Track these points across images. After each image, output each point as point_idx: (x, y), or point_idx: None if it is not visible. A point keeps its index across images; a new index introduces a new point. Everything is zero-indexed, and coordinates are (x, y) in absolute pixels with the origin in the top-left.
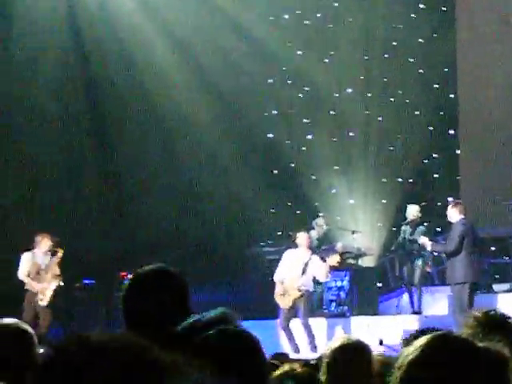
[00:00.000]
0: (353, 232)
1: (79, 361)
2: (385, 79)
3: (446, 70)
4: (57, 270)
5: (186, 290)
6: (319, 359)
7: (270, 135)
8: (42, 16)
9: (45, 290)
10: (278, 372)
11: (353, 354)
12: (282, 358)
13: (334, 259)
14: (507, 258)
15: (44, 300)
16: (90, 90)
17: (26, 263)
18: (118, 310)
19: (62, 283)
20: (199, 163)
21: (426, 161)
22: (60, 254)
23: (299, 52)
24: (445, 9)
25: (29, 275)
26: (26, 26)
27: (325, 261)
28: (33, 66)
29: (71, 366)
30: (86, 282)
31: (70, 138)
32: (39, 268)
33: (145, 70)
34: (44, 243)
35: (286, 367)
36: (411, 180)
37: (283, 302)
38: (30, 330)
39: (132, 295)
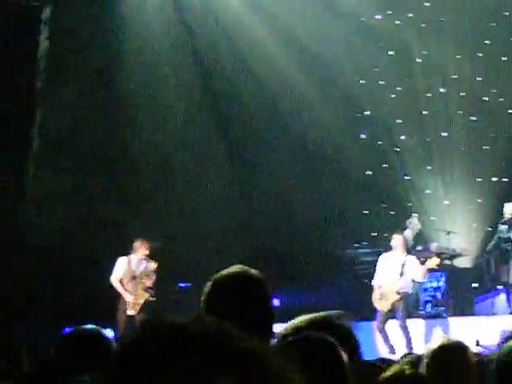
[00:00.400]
0: (448, 233)
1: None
2: (477, 78)
3: None
4: (149, 281)
5: (268, 293)
6: (418, 359)
7: (363, 136)
8: (151, 17)
9: (134, 303)
10: (387, 373)
11: (453, 354)
12: (387, 362)
13: (433, 262)
14: None
15: (133, 310)
16: (206, 82)
17: (120, 268)
18: None
19: (152, 298)
20: (294, 162)
21: None
22: (154, 265)
23: (391, 52)
24: None
25: (121, 281)
26: (135, 26)
27: (421, 262)
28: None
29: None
30: (182, 285)
31: (196, 139)
32: (133, 275)
33: (257, 64)
34: (142, 250)
35: (395, 367)
36: (506, 179)
37: (382, 305)
38: (108, 335)
39: (212, 299)
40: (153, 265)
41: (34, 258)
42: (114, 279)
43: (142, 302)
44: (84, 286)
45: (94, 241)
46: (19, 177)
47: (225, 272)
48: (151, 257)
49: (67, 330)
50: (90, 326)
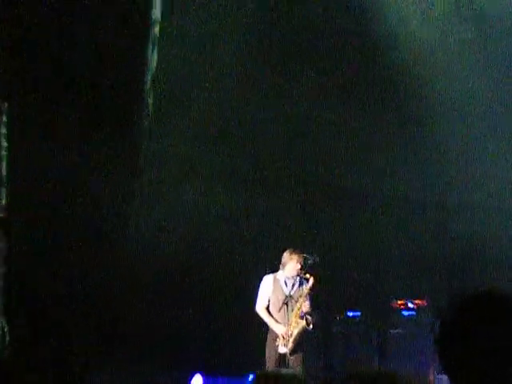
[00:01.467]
0: None
1: None
2: None
3: None
4: (305, 306)
5: None
6: None
7: None
8: None
9: (287, 336)
10: None
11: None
12: None
13: None
14: None
15: (286, 346)
16: None
17: (265, 291)
18: (395, 351)
19: (310, 327)
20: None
21: None
22: (311, 281)
23: None
24: None
25: (268, 308)
26: None
27: None
28: None
29: None
30: (350, 314)
31: None
32: (284, 299)
33: None
34: (293, 264)
35: None
36: None
37: None
38: None
39: (457, 329)
40: (309, 283)
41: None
42: (260, 306)
43: (296, 333)
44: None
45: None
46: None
47: (472, 292)
48: (305, 273)
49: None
50: None
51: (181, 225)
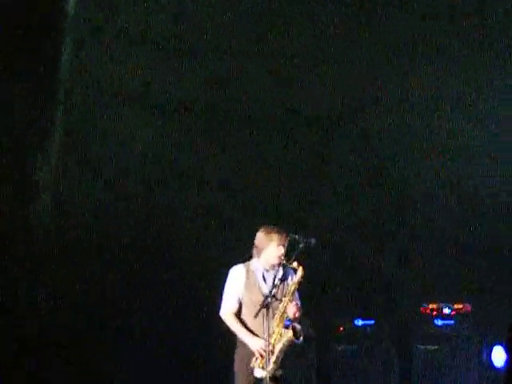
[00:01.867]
0: None
1: None
2: None
3: None
4: (292, 309)
5: None
6: None
7: None
8: None
9: (266, 353)
10: None
11: None
12: None
13: None
14: None
15: (264, 369)
16: None
17: (234, 289)
18: (425, 378)
19: (299, 340)
20: None
21: None
22: (301, 273)
23: None
24: None
25: (239, 313)
26: None
27: None
28: None
29: None
30: (359, 323)
31: None
32: (261, 301)
33: None
34: (273, 249)
35: None
36: None
37: None
38: None
39: None
40: (298, 276)
41: None
42: (225, 310)
43: (279, 349)
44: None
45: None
46: None
47: None
48: (291, 262)
49: None
50: None
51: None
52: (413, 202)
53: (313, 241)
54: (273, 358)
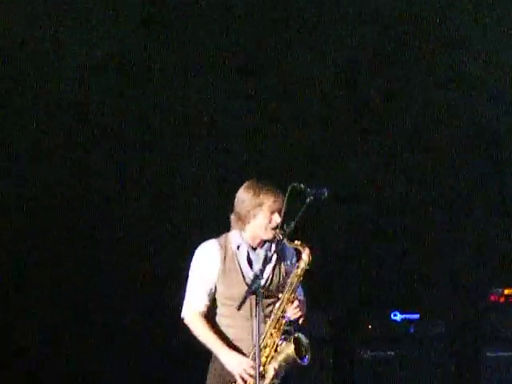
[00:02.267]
0: None
1: None
2: None
3: None
4: (295, 310)
5: None
6: None
7: None
8: None
9: (253, 377)
10: None
11: None
12: None
13: None
14: None
15: None
16: None
17: (204, 278)
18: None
19: (305, 359)
20: None
21: None
22: (306, 258)
23: None
24: None
25: (212, 315)
26: None
27: None
28: None
29: None
30: (397, 317)
31: None
32: (245, 295)
33: None
34: (263, 217)
35: None
36: None
37: None
38: None
39: None
40: (304, 259)
41: None
42: (192, 313)
43: (274, 371)
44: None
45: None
46: None
47: None
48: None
49: None
50: None
51: None
52: None
53: (325, 192)
54: None
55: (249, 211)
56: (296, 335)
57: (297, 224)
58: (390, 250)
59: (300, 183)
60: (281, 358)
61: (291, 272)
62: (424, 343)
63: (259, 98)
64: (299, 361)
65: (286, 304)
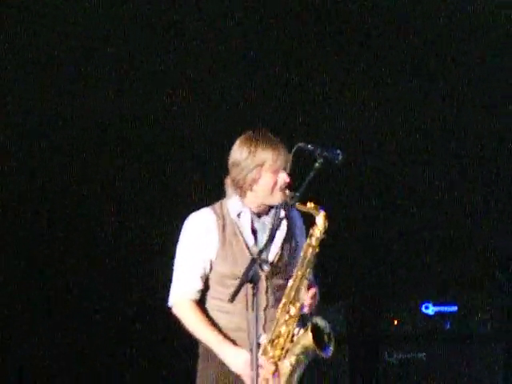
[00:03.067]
0: None
1: None
2: None
3: None
4: (312, 292)
5: None
6: None
7: None
8: None
9: (263, 377)
10: None
11: None
12: None
13: None
14: None
15: None
16: None
17: (194, 253)
18: None
19: (328, 351)
20: None
21: None
22: (322, 223)
23: None
24: None
25: (205, 299)
26: None
27: None
28: None
29: None
30: (430, 310)
31: None
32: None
33: None
34: (267, 178)
35: None
36: None
37: None
38: None
39: None
40: (318, 226)
41: None
42: (181, 298)
43: (289, 369)
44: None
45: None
46: None
47: None
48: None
49: None
50: None
51: None
52: None
53: (339, 154)
54: None
55: (247, 175)
56: (314, 321)
57: (304, 192)
58: (418, 223)
59: (307, 143)
60: (298, 350)
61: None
62: (464, 343)
63: None
64: (320, 353)
65: (300, 282)
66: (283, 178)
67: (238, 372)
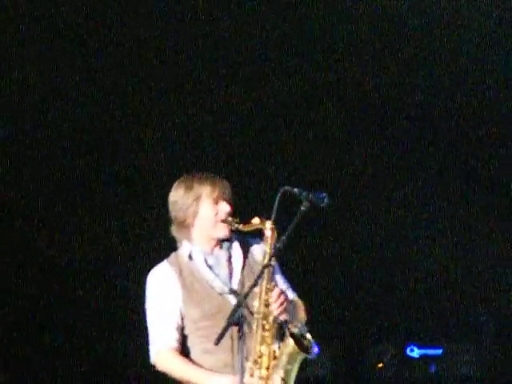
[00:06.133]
0: None
1: None
2: None
3: None
4: (280, 307)
5: None
6: None
7: None
8: None
9: None
10: None
11: None
12: None
13: None
14: None
15: None
16: None
17: (164, 308)
18: None
19: (312, 353)
20: None
21: None
22: (271, 234)
23: None
24: None
25: (185, 346)
26: None
27: None
28: None
29: None
30: (415, 352)
31: None
32: (219, 305)
33: None
34: (207, 210)
35: None
36: None
37: None
38: None
39: None
40: (269, 240)
41: None
42: (163, 351)
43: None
44: None
45: None
46: None
47: None
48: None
49: None
50: None
51: None
52: None
53: (325, 197)
54: None
55: (187, 209)
56: (290, 329)
57: (290, 236)
58: (403, 267)
59: (293, 187)
60: (283, 362)
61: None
62: None
63: None
64: (306, 355)
65: (266, 294)
66: (223, 207)
67: None
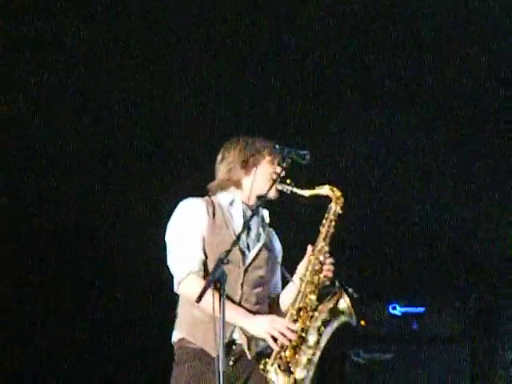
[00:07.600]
0: None
1: None
2: None
3: None
4: (329, 268)
5: None
6: None
7: None
8: None
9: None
10: None
11: None
12: None
13: None
14: None
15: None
16: None
17: (190, 230)
18: None
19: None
20: None
21: None
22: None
23: None
24: None
25: (206, 288)
26: None
27: None
28: None
29: None
30: (396, 310)
31: None
32: (238, 261)
33: None
34: (266, 166)
35: None
36: None
37: None
38: None
39: None
40: (334, 208)
41: None
42: (187, 276)
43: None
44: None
45: None
46: None
47: None
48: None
49: None
50: None
51: None
52: None
53: (306, 155)
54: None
55: (249, 158)
56: (345, 288)
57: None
58: (386, 226)
59: (277, 143)
60: (328, 315)
61: (279, 252)
62: (431, 343)
63: None
64: (353, 319)
65: (319, 254)
66: (279, 171)
67: (257, 334)
